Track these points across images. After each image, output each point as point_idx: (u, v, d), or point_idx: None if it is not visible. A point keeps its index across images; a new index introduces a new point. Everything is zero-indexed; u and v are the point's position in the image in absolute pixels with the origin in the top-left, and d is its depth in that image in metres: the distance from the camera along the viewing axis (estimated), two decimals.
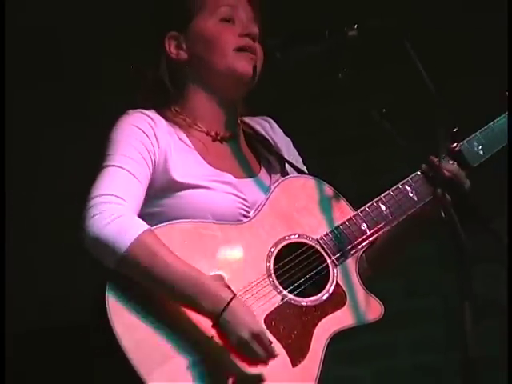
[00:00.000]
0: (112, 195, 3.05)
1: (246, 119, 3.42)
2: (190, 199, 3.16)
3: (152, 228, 3.04)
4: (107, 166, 3.11)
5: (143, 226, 3.02)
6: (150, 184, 3.16)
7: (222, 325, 2.96)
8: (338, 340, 3.10)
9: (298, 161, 3.43)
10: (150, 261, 2.99)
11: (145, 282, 3.01)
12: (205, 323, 3.01)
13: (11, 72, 5.31)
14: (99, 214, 3.01)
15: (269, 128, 3.45)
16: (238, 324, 2.96)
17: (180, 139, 3.24)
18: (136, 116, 3.21)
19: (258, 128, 3.43)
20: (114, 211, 3.02)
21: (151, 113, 3.24)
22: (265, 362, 2.97)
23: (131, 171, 3.11)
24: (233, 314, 2.97)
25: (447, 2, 5.31)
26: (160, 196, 3.17)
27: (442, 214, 2.93)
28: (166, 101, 3.30)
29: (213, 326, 2.98)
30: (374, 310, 3.16)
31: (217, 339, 3.00)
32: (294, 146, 3.48)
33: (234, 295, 2.99)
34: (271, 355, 2.96)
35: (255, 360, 2.98)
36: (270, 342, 2.97)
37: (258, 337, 2.96)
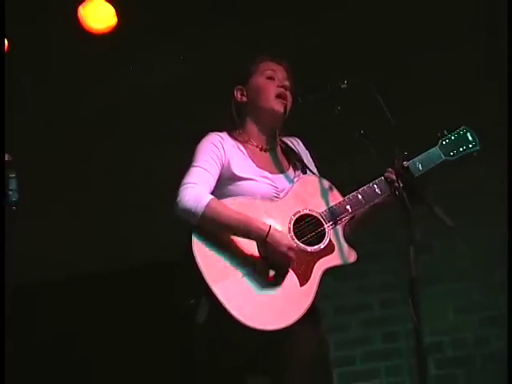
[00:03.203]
0: (193, 183, 3.14)
1: (283, 138, 3.45)
2: (244, 186, 3.22)
3: (216, 199, 3.11)
4: (192, 166, 3.21)
5: (209, 196, 3.11)
6: (220, 176, 3.22)
7: (268, 242, 3.04)
8: (330, 272, 3.17)
9: (312, 165, 3.45)
10: (217, 216, 3.06)
11: (215, 229, 3.08)
12: (251, 251, 3.07)
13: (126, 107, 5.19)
14: (184, 195, 3.10)
15: (296, 143, 3.48)
16: (277, 242, 3.05)
17: (239, 149, 3.30)
18: (212, 136, 3.30)
19: (289, 143, 3.46)
20: (193, 191, 3.11)
21: (223, 134, 3.32)
22: (292, 262, 3.06)
23: (206, 168, 3.20)
24: (272, 236, 3.04)
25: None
26: (227, 183, 3.23)
27: (397, 193, 3.03)
28: (233, 126, 3.36)
29: (259, 247, 3.06)
30: (351, 255, 3.20)
31: (262, 255, 3.06)
32: (310, 155, 3.49)
33: (270, 226, 3.05)
34: (293, 259, 3.05)
35: (286, 261, 3.06)
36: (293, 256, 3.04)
37: (290, 247, 3.06)
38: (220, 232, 3.08)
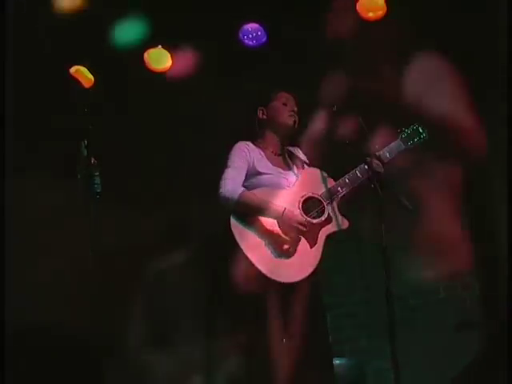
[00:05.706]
0: (229, 178, 3.16)
1: (287, 147, 3.42)
2: (265, 179, 3.23)
3: (247, 190, 3.13)
4: (229, 166, 3.21)
5: (241, 189, 3.14)
6: (247, 172, 3.22)
7: (283, 220, 3.08)
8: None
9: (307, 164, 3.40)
10: (248, 202, 3.09)
11: (246, 211, 3.09)
12: (273, 228, 3.08)
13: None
14: (223, 187, 3.12)
15: (296, 151, 3.43)
16: (290, 219, 3.08)
17: (260, 153, 3.30)
18: (240, 144, 3.30)
19: (292, 150, 3.42)
20: (230, 184, 3.13)
21: (248, 142, 3.31)
22: (301, 234, 3.09)
23: (238, 168, 3.21)
24: (286, 215, 3.08)
25: None
26: (252, 178, 3.23)
27: (372, 186, 3.00)
28: (255, 137, 3.37)
29: (278, 223, 3.08)
30: (344, 223, 3.22)
31: (280, 228, 3.09)
32: (307, 158, 3.43)
33: (285, 208, 3.09)
34: (302, 230, 3.08)
35: (298, 232, 3.08)
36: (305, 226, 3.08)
37: (300, 222, 3.10)
38: (250, 213, 3.10)
